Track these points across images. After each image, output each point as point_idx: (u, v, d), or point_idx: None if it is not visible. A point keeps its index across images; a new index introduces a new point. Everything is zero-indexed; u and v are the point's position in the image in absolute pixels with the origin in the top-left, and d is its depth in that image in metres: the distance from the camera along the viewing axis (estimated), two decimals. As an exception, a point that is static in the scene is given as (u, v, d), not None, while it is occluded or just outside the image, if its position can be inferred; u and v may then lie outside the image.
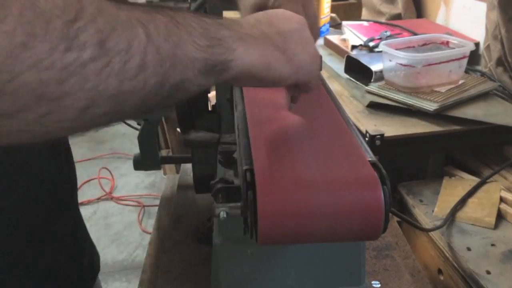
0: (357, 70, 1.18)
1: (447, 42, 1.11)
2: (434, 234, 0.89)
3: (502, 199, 0.93)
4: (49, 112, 0.29)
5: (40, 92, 0.28)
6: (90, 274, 0.74)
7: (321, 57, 0.51)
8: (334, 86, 1.19)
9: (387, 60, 1.06)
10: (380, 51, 1.11)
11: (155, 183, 2.72)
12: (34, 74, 0.27)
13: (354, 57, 1.19)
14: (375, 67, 1.12)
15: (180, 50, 0.35)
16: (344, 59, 1.21)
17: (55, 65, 0.28)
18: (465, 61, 1.06)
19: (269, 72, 0.43)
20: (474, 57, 1.23)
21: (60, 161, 0.66)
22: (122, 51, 0.31)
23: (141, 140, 0.85)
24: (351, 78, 1.19)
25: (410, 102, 1.00)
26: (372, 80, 1.12)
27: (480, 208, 0.91)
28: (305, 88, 0.49)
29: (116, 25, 0.31)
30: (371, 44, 1.31)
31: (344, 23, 1.50)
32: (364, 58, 1.18)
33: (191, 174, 0.78)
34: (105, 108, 0.32)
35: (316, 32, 0.59)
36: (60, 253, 0.66)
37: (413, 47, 1.12)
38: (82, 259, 0.72)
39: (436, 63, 1.02)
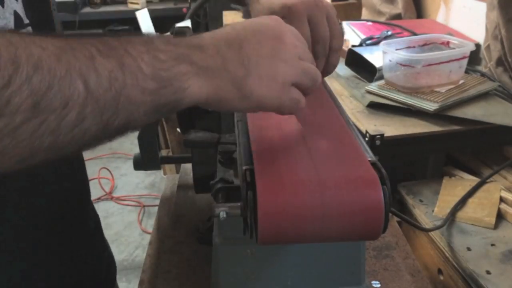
0: (359, 65, 1.17)
1: (448, 42, 1.11)
2: (434, 234, 0.89)
3: (502, 199, 0.93)
4: None
5: None
6: (107, 282, 0.76)
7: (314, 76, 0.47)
8: (334, 86, 1.19)
9: (387, 60, 1.06)
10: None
11: (155, 183, 2.72)
12: None
13: (357, 51, 1.18)
14: (378, 63, 1.12)
15: (124, 97, 0.35)
16: (346, 52, 1.20)
17: None
18: (465, 61, 1.06)
19: (223, 106, 0.42)
20: (474, 57, 1.23)
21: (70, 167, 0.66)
22: (58, 108, 0.31)
23: (141, 140, 0.85)
24: (353, 72, 1.19)
25: (410, 102, 1.00)
26: (376, 77, 1.11)
27: (480, 208, 0.91)
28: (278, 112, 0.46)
29: (53, 82, 0.31)
30: (368, 42, 1.30)
31: (346, 22, 1.50)
32: (366, 53, 1.17)
33: (191, 174, 0.78)
34: (43, 157, 0.33)
35: (335, 45, 0.57)
36: (78, 260, 0.66)
37: (413, 47, 1.12)
38: (100, 265, 0.74)
39: (436, 63, 1.02)
